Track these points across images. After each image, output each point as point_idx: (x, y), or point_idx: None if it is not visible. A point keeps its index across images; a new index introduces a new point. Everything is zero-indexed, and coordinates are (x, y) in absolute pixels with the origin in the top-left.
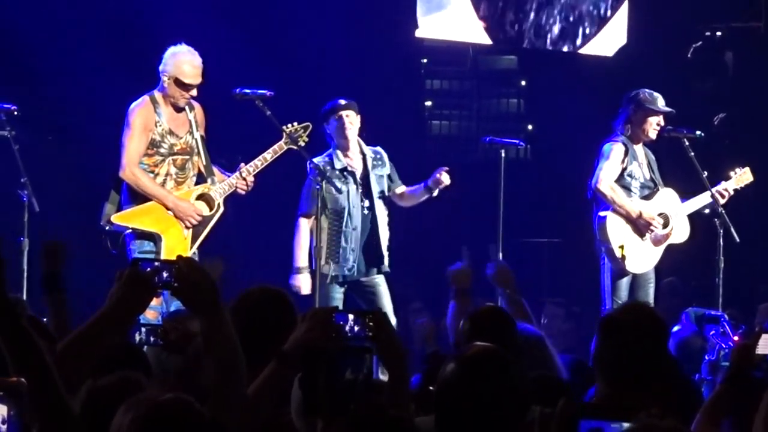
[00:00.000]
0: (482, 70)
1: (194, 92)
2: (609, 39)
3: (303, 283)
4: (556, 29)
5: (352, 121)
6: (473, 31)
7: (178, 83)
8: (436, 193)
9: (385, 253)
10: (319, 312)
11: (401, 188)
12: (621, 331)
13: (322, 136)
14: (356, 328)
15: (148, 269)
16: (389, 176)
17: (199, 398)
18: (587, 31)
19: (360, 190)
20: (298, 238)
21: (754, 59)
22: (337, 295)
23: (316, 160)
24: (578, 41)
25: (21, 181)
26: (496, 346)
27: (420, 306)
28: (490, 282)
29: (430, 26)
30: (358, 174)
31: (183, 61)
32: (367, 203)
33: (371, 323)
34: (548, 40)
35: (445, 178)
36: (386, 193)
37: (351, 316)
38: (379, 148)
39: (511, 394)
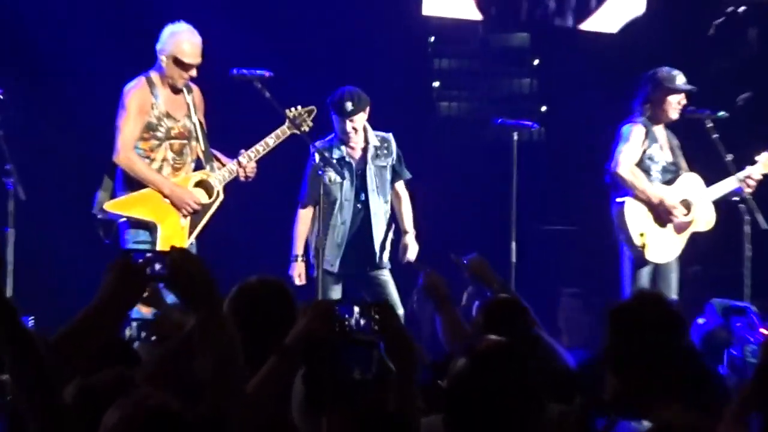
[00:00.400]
0: (492, 48)
1: (194, 72)
2: (615, 13)
3: (298, 272)
4: (566, 4)
5: (356, 126)
6: (481, 7)
7: (177, 63)
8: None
9: (380, 250)
10: (321, 304)
11: (401, 186)
12: (630, 323)
13: (326, 119)
14: (362, 321)
15: (140, 260)
16: (393, 167)
17: (184, 391)
18: (593, 5)
19: (355, 183)
20: (296, 226)
21: None
22: (334, 286)
23: (318, 144)
24: (584, 16)
25: (5, 168)
26: (509, 339)
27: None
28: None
29: (437, 3)
30: (356, 165)
31: (182, 40)
32: (362, 197)
33: (377, 316)
34: (559, 16)
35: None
36: (388, 185)
37: (356, 309)
38: (389, 135)
39: (525, 388)
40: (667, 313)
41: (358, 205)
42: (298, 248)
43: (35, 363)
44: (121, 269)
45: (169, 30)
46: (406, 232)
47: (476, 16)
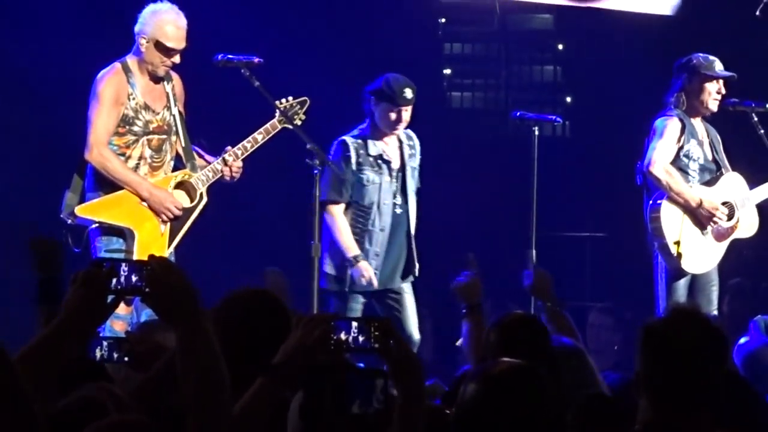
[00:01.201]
0: (511, 32)
1: (177, 59)
2: None
3: (367, 270)
4: None
5: (407, 119)
6: None
7: (159, 47)
8: None
9: (416, 260)
10: (317, 318)
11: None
12: (667, 343)
13: (319, 113)
14: (360, 338)
15: (105, 270)
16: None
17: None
18: None
19: (395, 184)
20: (337, 227)
21: None
22: (357, 306)
23: (347, 139)
24: None
25: None
26: (527, 361)
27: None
28: (528, 293)
29: None
30: (395, 164)
31: (166, 21)
32: (400, 200)
33: (377, 332)
34: None
35: None
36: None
37: (354, 324)
38: (411, 132)
39: (545, 418)
40: (708, 332)
41: (398, 209)
42: (354, 248)
43: (9, 382)
44: (86, 281)
45: (150, 9)
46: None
47: None
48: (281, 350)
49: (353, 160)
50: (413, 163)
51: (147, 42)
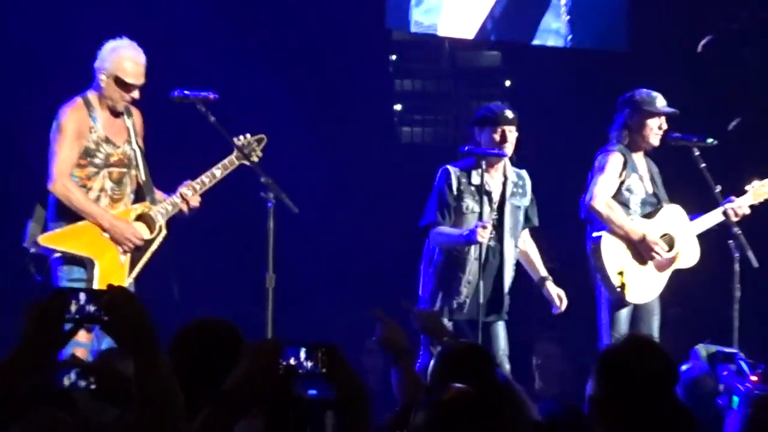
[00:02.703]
0: (460, 68)
1: (136, 94)
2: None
3: (483, 227)
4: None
5: (512, 140)
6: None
7: (119, 83)
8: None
9: (507, 298)
10: (265, 344)
11: (527, 233)
12: (621, 370)
13: (273, 146)
14: (308, 364)
15: (57, 299)
16: (527, 210)
17: None
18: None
19: (494, 216)
20: (446, 231)
21: None
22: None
23: (450, 168)
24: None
25: None
26: (474, 388)
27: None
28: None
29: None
30: (495, 197)
31: (125, 57)
32: (496, 234)
33: (324, 358)
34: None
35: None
36: (520, 228)
37: (303, 350)
38: (523, 173)
39: None
40: (662, 359)
41: (493, 242)
42: (463, 230)
43: None
44: (37, 310)
45: (110, 46)
46: (545, 279)
47: (450, 33)
48: (231, 377)
49: (454, 187)
50: (516, 202)
51: (107, 78)
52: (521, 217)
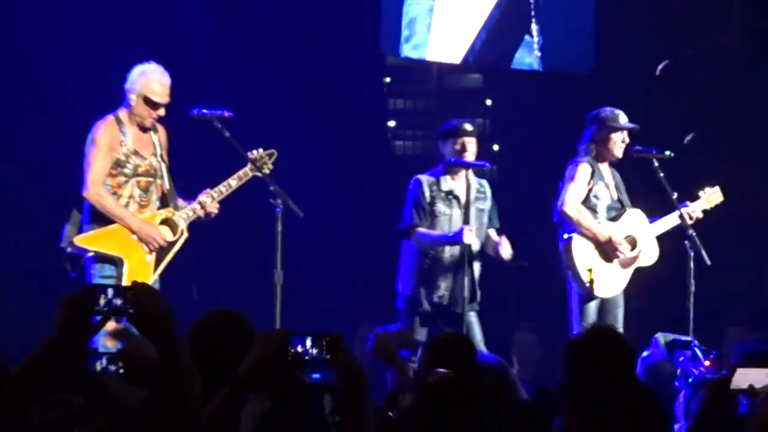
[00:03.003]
0: (446, 89)
1: (162, 112)
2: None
3: (469, 234)
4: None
5: (473, 150)
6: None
7: (147, 102)
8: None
9: (477, 290)
10: (275, 333)
11: (493, 232)
12: (586, 357)
13: (280, 157)
14: (314, 351)
15: (87, 293)
16: (489, 213)
17: None
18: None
19: (462, 218)
20: (428, 233)
21: (725, 76)
22: (425, 326)
23: (421, 177)
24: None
25: None
26: (459, 374)
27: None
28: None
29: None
30: (462, 201)
31: (152, 79)
32: None
33: (328, 346)
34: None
35: (504, 251)
36: (484, 229)
37: (309, 339)
38: (484, 181)
39: (476, 423)
40: (623, 347)
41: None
42: (448, 232)
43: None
44: (67, 303)
45: (139, 69)
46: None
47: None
48: (245, 362)
49: (427, 193)
50: (480, 206)
51: (136, 97)
52: (485, 219)
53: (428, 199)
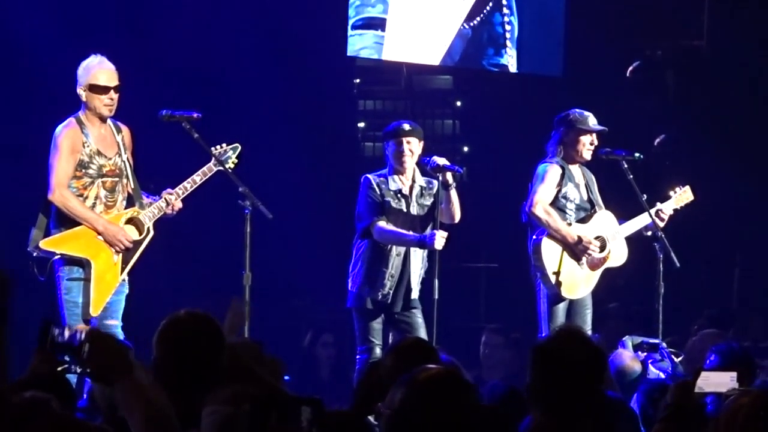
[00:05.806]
0: (416, 90)
1: (113, 95)
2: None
3: (441, 240)
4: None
5: (412, 149)
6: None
7: (94, 89)
8: (450, 181)
9: (417, 286)
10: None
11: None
12: (553, 358)
13: (250, 158)
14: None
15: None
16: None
17: None
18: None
19: (410, 216)
20: (391, 232)
21: (695, 78)
22: (376, 324)
23: (370, 176)
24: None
25: None
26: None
27: (332, 340)
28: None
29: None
30: (411, 200)
31: (92, 67)
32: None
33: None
34: (485, 59)
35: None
36: (428, 225)
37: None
38: (434, 182)
39: (472, 420)
40: (589, 349)
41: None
42: (413, 234)
43: None
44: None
45: (82, 65)
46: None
47: (434, 61)
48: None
49: (378, 191)
50: (425, 202)
51: (84, 90)
52: (427, 215)
53: (379, 197)
